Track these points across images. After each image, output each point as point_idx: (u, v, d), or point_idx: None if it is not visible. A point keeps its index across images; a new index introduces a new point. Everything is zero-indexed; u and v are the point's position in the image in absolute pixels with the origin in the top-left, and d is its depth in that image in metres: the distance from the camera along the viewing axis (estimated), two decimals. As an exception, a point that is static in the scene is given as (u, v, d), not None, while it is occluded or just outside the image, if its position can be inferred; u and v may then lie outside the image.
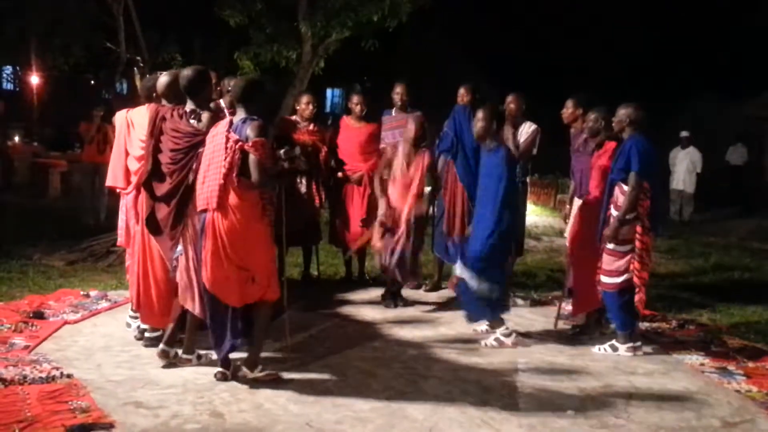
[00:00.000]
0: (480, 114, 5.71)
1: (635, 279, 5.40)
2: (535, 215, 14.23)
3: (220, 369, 4.70)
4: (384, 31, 10.76)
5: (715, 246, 11.32)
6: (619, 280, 5.46)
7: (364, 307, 6.73)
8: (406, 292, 7.16)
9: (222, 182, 4.46)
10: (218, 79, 6.05)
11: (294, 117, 7.41)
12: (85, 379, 4.58)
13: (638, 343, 5.62)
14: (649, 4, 21.98)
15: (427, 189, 6.81)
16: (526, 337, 6.01)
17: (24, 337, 5.33)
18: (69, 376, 4.62)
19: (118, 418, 4.06)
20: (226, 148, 4.48)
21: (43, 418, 3.97)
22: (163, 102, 5.03)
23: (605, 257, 5.52)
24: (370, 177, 7.14)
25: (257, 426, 4.10)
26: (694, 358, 5.57)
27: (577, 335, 6.03)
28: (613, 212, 5.48)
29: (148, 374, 4.76)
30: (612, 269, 5.48)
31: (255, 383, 4.61)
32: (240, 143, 4.45)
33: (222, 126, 4.61)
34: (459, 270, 5.83)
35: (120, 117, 5.49)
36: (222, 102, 6.04)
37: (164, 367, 4.84)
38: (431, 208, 7.11)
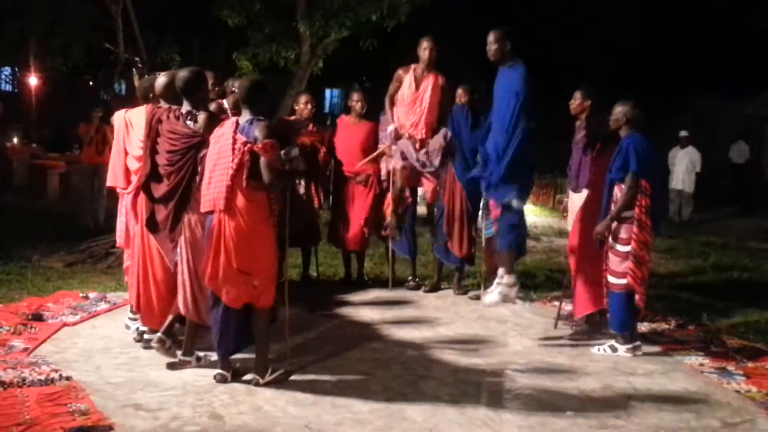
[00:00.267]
0: (490, 37, 5.55)
1: (629, 278, 5.39)
2: (534, 215, 14.23)
3: (219, 371, 4.70)
4: (382, 30, 10.76)
5: (714, 246, 11.31)
6: (625, 281, 5.45)
7: (363, 308, 6.72)
8: (405, 294, 7.17)
9: (230, 183, 4.47)
10: (217, 80, 6.04)
11: (293, 117, 7.40)
12: (84, 382, 4.58)
13: (637, 344, 5.61)
14: (648, 4, 21.96)
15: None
16: (526, 337, 6.01)
17: (23, 340, 5.32)
18: (68, 378, 4.61)
19: (118, 420, 4.06)
20: (234, 149, 4.48)
21: (42, 420, 3.96)
22: (161, 103, 5.03)
23: (611, 258, 5.50)
24: (377, 177, 7.19)
25: (256, 428, 4.09)
26: (694, 359, 5.56)
27: (576, 336, 6.01)
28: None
29: (147, 376, 4.75)
30: (619, 270, 5.46)
31: (268, 386, 4.61)
32: (249, 145, 4.46)
33: (227, 127, 4.61)
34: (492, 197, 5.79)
35: (118, 117, 5.50)
36: (225, 102, 6.04)
37: (167, 367, 4.85)
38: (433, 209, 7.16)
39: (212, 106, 5.57)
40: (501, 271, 5.71)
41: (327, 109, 30.17)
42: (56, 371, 4.70)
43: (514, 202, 5.59)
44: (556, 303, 6.52)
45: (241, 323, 4.67)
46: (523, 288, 7.71)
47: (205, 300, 4.74)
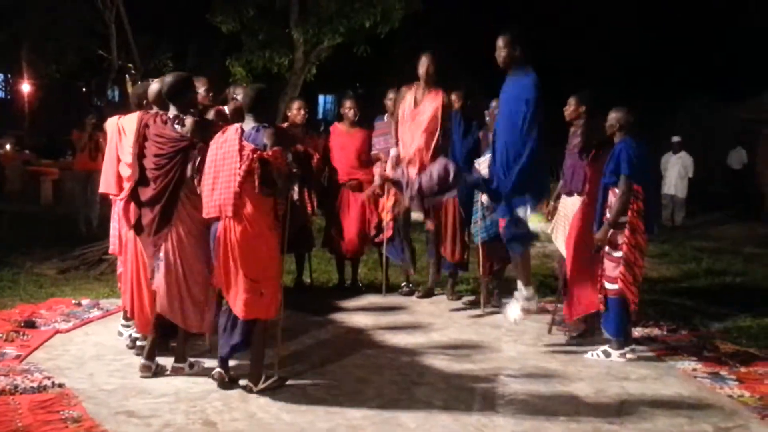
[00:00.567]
0: (499, 41, 5.35)
1: (619, 282, 5.40)
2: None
3: (218, 369, 4.70)
4: (376, 37, 10.78)
5: (707, 251, 11.33)
6: (618, 286, 5.46)
7: (357, 314, 6.72)
8: (399, 300, 7.17)
9: (238, 190, 4.48)
10: (211, 86, 6.02)
11: (285, 123, 7.39)
12: (76, 389, 4.57)
13: (631, 348, 5.62)
14: (645, 5, 22.02)
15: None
16: (519, 343, 6.02)
17: (15, 347, 5.30)
18: (61, 385, 4.60)
19: (110, 427, 4.05)
20: (241, 156, 4.49)
21: (34, 428, 3.95)
22: (154, 109, 5.02)
23: (606, 263, 5.51)
24: (369, 184, 7.17)
25: (250, 435, 4.09)
26: (687, 364, 5.58)
27: (571, 341, 6.02)
28: (608, 216, 5.48)
29: (140, 383, 4.74)
30: (613, 275, 5.46)
31: (262, 393, 4.60)
32: (258, 152, 4.47)
33: (231, 133, 4.62)
34: (500, 213, 5.60)
35: (111, 123, 5.49)
36: (226, 109, 6.02)
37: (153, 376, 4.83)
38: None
39: (211, 113, 5.57)
40: (519, 283, 5.66)
41: (320, 116, 30.23)
42: (49, 378, 4.68)
43: (525, 212, 5.47)
44: (550, 308, 6.53)
45: (243, 325, 4.65)
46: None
47: (194, 307, 4.76)
